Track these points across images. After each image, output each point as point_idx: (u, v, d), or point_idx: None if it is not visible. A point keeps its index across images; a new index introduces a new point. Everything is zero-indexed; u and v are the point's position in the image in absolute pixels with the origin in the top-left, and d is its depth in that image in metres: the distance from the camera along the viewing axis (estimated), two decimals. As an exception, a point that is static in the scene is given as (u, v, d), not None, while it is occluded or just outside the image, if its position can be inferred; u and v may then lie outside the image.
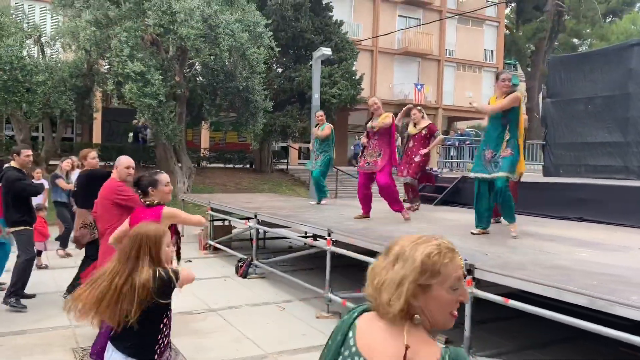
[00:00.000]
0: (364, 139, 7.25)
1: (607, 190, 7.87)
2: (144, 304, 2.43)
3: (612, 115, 11.13)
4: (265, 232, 8.78)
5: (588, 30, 38.78)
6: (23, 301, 5.91)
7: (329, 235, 5.88)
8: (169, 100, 13.34)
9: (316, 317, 5.93)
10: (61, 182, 8.81)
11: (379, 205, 7.40)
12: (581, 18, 37.89)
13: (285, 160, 23.39)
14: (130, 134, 20.54)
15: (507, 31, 37.05)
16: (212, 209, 9.46)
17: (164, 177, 3.62)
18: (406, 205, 8.29)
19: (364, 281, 5.17)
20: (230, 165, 21.24)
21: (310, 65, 16.97)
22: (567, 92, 11.99)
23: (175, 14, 11.79)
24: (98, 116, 18.95)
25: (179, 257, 3.57)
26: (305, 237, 8.29)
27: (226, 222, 9.93)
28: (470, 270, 4.05)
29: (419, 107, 8.63)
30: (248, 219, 8.21)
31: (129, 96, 12.25)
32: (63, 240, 9.01)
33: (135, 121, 15.69)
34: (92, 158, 5.86)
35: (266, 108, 15.18)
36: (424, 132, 8.26)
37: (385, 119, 6.85)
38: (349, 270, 7.51)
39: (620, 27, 37.05)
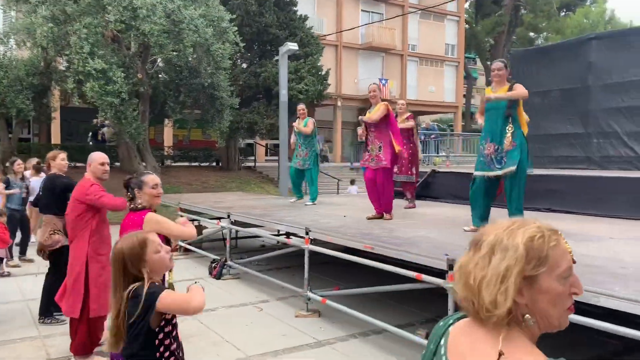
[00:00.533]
0: (360, 131, 6.89)
1: (574, 181, 8.06)
2: (129, 326, 2.20)
3: (573, 108, 11.44)
4: (237, 231, 8.64)
5: (544, 24, 39.83)
6: None
7: (307, 233, 5.81)
8: (132, 98, 13.00)
9: (295, 316, 5.86)
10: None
11: (360, 201, 7.38)
12: (538, 12, 38.89)
13: (253, 157, 23.17)
14: (90, 134, 19.92)
15: (467, 25, 37.68)
16: (181, 209, 9.25)
17: (150, 178, 3.43)
18: (404, 204, 8.21)
19: (341, 278, 5.13)
20: (196, 164, 20.89)
21: (276, 61, 16.81)
22: (529, 85, 12.19)
23: (137, 10, 11.45)
24: (57, 115, 18.30)
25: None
26: (278, 235, 8.20)
27: (196, 223, 9.72)
28: (452, 265, 4.06)
29: (402, 101, 8.44)
30: (220, 218, 8.06)
31: (90, 95, 11.86)
32: (21, 247, 8.64)
33: (96, 120, 15.23)
34: (62, 159, 5.50)
35: (232, 105, 14.96)
36: (406, 123, 8.08)
37: (376, 112, 6.57)
38: (325, 267, 7.50)
39: (574, 20, 38.20)
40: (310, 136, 8.69)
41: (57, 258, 5.42)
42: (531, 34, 41.64)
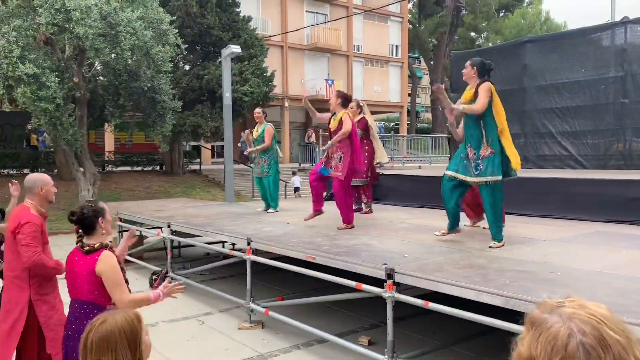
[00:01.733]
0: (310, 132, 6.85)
1: (508, 182, 8.31)
2: None
3: (510, 108, 11.83)
4: (180, 242, 8.43)
5: (484, 24, 41.13)
6: None
7: (249, 244, 5.74)
8: (68, 104, 12.45)
9: (238, 328, 5.78)
10: None
11: (305, 205, 7.33)
12: (477, 13, 40.13)
13: (198, 160, 22.74)
14: (25, 140, 18.98)
15: (411, 26, 38.42)
16: (121, 220, 8.95)
17: (104, 204, 3.13)
18: (356, 207, 7.98)
19: (286, 285, 5.08)
20: (139, 168, 20.30)
21: (220, 62, 16.55)
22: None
23: (70, 12, 10.97)
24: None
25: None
26: (223, 245, 8.07)
27: (137, 233, 9.43)
28: (390, 274, 4.10)
29: (358, 101, 8.13)
30: (161, 228, 7.85)
31: (22, 100, 11.27)
32: None
33: (30, 126, 14.54)
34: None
35: (175, 108, 14.60)
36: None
37: (343, 123, 6.38)
38: (270, 274, 7.43)
39: (512, 21, 39.63)
40: (270, 146, 8.36)
41: None
42: (472, 34, 42.93)
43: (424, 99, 57.14)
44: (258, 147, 8.30)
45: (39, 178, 3.96)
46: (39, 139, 19.40)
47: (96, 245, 2.95)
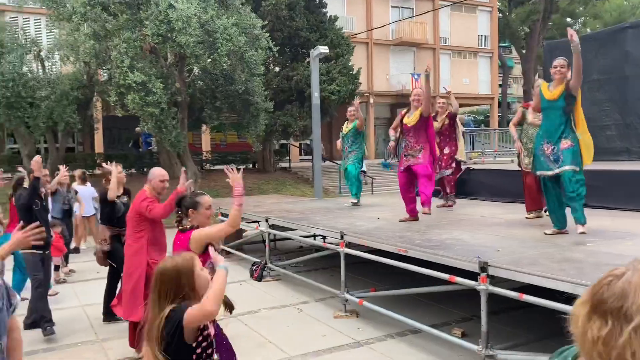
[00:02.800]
0: (391, 131, 7.04)
1: (609, 176, 8.00)
2: (165, 346, 2.25)
3: (610, 98, 11.26)
4: (275, 234, 8.93)
5: (581, 9, 38.76)
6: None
7: (342, 237, 6.03)
8: (171, 108, 13.47)
9: (334, 316, 6.09)
10: None
11: (393, 201, 7.53)
12: (573, -2, 37.90)
13: (287, 158, 23.51)
14: (131, 142, 20.58)
15: (501, 15, 37.04)
16: (222, 214, 9.61)
17: (206, 199, 3.65)
18: (440, 202, 8.23)
19: (377, 279, 5.34)
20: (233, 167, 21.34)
21: (308, 63, 17.07)
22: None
23: (173, 23, 11.88)
24: (99, 125, 19.08)
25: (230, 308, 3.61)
26: (314, 238, 8.45)
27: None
28: (484, 267, 4.21)
29: (441, 100, 8.34)
30: (259, 222, 8.36)
31: (131, 106, 12.38)
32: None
33: (139, 129, 15.85)
34: (119, 172, 5.99)
35: (267, 109, 15.32)
36: (446, 122, 8.06)
37: (414, 118, 6.64)
38: (362, 267, 7.70)
39: (613, 3, 37.04)
40: (358, 137, 8.68)
41: (113, 266, 5.88)
42: (568, 19, 40.58)
43: (516, 90, 54.81)
44: (351, 127, 8.60)
45: (153, 172, 5.01)
46: (143, 142, 21.02)
47: (188, 226, 3.58)
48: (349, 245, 6.05)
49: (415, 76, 29.25)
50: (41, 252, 5.69)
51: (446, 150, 8.07)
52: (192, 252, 3.48)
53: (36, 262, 5.72)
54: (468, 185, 10.04)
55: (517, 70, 50.57)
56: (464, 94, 32.18)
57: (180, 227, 3.59)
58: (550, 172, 5.25)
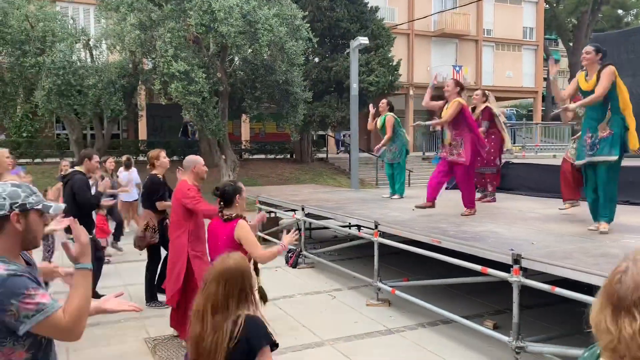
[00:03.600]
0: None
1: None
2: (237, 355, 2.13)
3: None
4: (310, 223, 9.06)
5: (633, 0, 37.22)
6: None
7: (376, 227, 6.10)
8: (212, 97, 13.75)
9: (366, 304, 6.19)
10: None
11: (422, 191, 7.51)
12: (626, -12, 36.43)
13: (325, 149, 23.63)
14: (181, 129, 20.95)
15: (547, 6, 35.96)
16: (260, 202, 9.81)
17: (242, 185, 3.87)
18: (478, 195, 8.04)
19: (410, 269, 5.41)
20: (272, 156, 21.64)
21: (347, 54, 17.08)
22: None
23: (215, 13, 12.11)
24: (143, 113, 19.63)
25: (257, 272, 3.75)
26: (350, 227, 8.53)
27: (272, 214, 10.27)
28: (517, 259, 4.22)
29: (484, 91, 8.21)
30: (295, 210, 8.51)
31: (175, 95, 12.71)
32: (115, 237, 9.46)
33: (188, 117, 16.25)
34: (164, 157, 6.11)
35: (306, 99, 15.45)
36: (480, 116, 7.87)
37: (448, 110, 6.48)
38: (395, 258, 7.76)
39: (668, -6, 35.40)
40: (393, 134, 8.59)
41: (153, 251, 6.08)
42: (619, 11, 39.05)
43: (562, 83, 53.20)
44: (383, 143, 8.59)
45: (193, 159, 5.11)
46: (190, 130, 21.45)
47: (233, 215, 3.75)
48: (383, 235, 6.11)
49: (457, 68, 28.82)
50: (91, 236, 5.98)
51: (488, 146, 7.83)
52: (236, 240, 3.66)
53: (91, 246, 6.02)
54: (507, 179, 9.90)
55: (564, 63, 49.05)
56: (507, 87, 31.56)
57: (225, 217, 3.73)
58: (583, 161, 5.21)
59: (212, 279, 2.19)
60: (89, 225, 6.03)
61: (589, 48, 5.18)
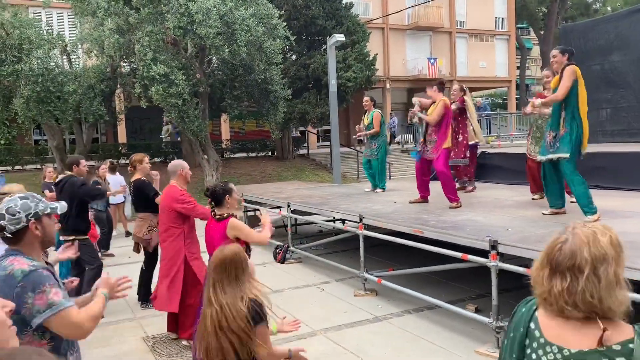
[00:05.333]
0: (411, 112, 7.17)
1: (621, 157, 8.18)
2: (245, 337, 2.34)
3: (627, 80, 11.35)
4: (296, 219, 9.31)
5: (601, -12, 38.12)
6: None
7: (361, 220, 6.37)
8: (192, 98, 13.84)
9: (354, 295, 6.47)
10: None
11: (411, 185, 7.77)
12: (593, -24, 37.25)
13: (305, 145, 23.84)
14: (166, 128, 20.76)
15: (518, -4, 36.60)
16: (245, 200, 10.01)
17: (233, 185, 4.08)
18: (460, 185, 8.39)
19: (395, 260, 5.72)
20: (253, 154, 21.78)
21: (324, 50, 17.30)
22: (580, 59, 12.16)
23: (193, 15, 12.21)
24: (122, 117, 19.59)
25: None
26: (334, 222, 8.79)
27: (259, 212, 10.47)
28: (494, 245, 4.52)
29: (462, 86, 8.42)
30: (281, 207, 8.74)
31: (155, 98, 12.78)
32: (104, 243, 9.51)
33: (166, 119, 16.31)
34: (147, 163, 6.21)
35: (286, 96, 15.63)
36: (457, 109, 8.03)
37: (433, 112, 6.78)
38: (380, 249, 8.06)
39: (634, -19, 36.28)
40: (381, 124, 8.89)
41: (152, 253, 6.21)
42: (587, -1, 39.95)
43: (534, 71, 54.12)
44: (368, 132, 8.87)
45: (179, 163, 5.27)
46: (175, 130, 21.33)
47: (225, 215, 3.96)
48: (368, 227, 6.38)
49: (432, 60, 29.25)
50: (87, 237, 6.09)
51: (459, 138, 8.07)
52: (229, 238, 3.88)
53: (92, 249, 6.19)
54: (483, 168, 10.25)
55: (536, 51, 49.95)
56: (481, 77, 32.13)
57: (217, 216, 3.95)
58: (543, 157, 5.56)
59: (216, 267, 2.41)
60: (86, 226, 6.09)
61: (554, 51, 5.45)
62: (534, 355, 1.48)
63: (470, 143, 8.28)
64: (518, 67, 39.05)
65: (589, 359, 1.38)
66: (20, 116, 13.26)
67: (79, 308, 2.20)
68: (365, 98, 9.11)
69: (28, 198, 2.21)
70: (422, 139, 7.21)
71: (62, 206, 2.33)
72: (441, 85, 7.02)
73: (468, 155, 8.24)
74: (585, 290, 1.39)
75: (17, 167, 17.34)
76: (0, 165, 16.34)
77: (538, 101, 5.49)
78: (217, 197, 3.99)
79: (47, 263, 2.32)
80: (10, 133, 18.42)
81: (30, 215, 2.16)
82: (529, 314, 1.54)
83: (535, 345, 1.48)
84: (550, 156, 5.45)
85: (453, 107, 8.00)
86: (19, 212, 2.14)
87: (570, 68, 5.21)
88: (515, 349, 1.53)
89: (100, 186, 7.84)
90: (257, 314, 2.38)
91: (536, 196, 7.06)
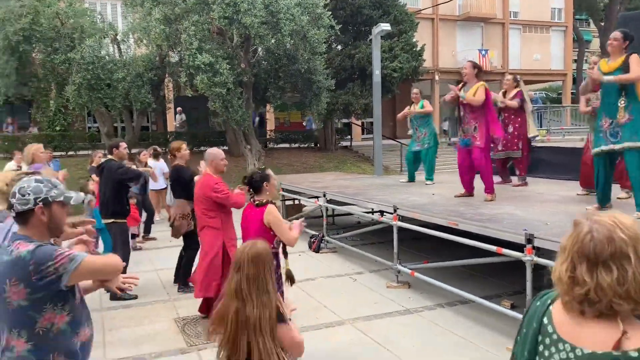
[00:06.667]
0: (448, 97, 6.79)
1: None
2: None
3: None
4: (334, 209, 9.25)
5: (668, -24, 35.91)
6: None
7: (395, 211, 6.24)
8: (237, 88, 13.99)
9: (386, 286, 6.36)
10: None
11: (453, 179, 7.57)
12: (661, -37, 35.16)
13: (349, 137, 23.71)
14: (180, 117, 21.51)
15: (577, -15, 35.02)
16: (283, 190, 10.03)
17: (271, 172, 4.03)
18: (498, 179, 8.03)
19: (430, 253, 5.58)
20: (296, 145, 21.84)
21: (370, 41, 17.09)
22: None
23: (238, 5, 12.31)
24: (171, 105, 20.05)
25: (285, 255, 3.99)
26: (373, 213, 8.68)
27: (296, 201, 10.51)
28: (530, 239, 4.32)
29: (515, 76, 8.18)
30: (317, 197, 8.70)
31: (200, 87, 12.99)
32: (145, 227, 9.76)
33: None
34: (185, 150, 6.27)
35: (329, 87, 15.56)
36: (513, 99, 7.78)
37: (476, 95, 6.41)
38: (415, 243, 7.91)
39: None
40: (427, 117, 8.77)
41: (189, 238, 6.28)
42: (653, -12, 37.72)
43: (589, 75, 51.71)
44: (420, 111, 8.70)
45: (212, 152, 5.24)
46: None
47: (264, 201, 3.93)
48: (402, 219, 6.25)
49: (483, 52, 28.44)
50: (124, 221, 6.28)
51: (510, 129, 7.82)
52: (265, 225, 3.85)
53: (127, 230, 6.35)
54: (532, 164, 9.85)
55: (595, 44, 47.75)
56: (534, 70, 30.99)
57: (256, 203, 3.92)
58: (604, 147, 5.16)
59: (249, 262, 2.33)
60: (124, 209, 6.26)
61: (617, 34, 5.13)
62: (546, 352, 1.39)
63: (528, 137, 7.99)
64: (575, 61, 37.44)
65: None
66: (71, 102, 13.77)
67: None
68: (414, 90, 8.96)
69: (42, 182, 2.21)
70: (460, 126, 6.90)
71: (77, 198, 2.32)
72: (477, 67, 6.70)
73: (521, 147, 7.92)
74: (636, 275, 1.28)
75: (70, 153, 18.04)
76: (54, 150, 17.03)
77: (611, 77, 4.98)
78: (255, 184, 3.96)
79: None
80: (66, 120, 19.24)
81: (39, 199, 2.16)
82: (543, 309, 1.46)
83: (547, 341, 1.40)
84: (612, 146, 5.09)
85: (514, 103, 7.73)
86: (29, 194, 2.15)
87: (635, 55, 4.92)
88: (527, 345, 1.45)
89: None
90: (281, 315, 2.34)
91: (583, 192, 6.72)
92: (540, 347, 1.41)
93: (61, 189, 2.26)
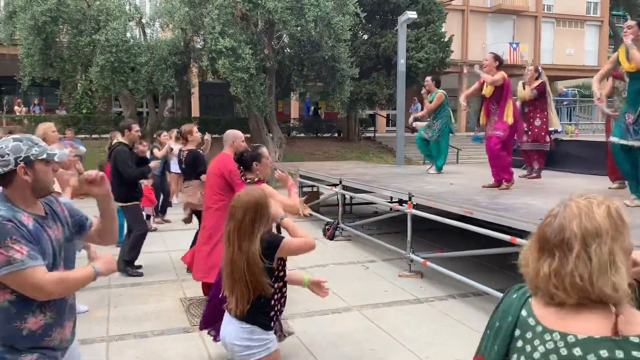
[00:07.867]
0: (462, 99, 6.97)
1: None
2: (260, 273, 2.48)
3: None
4: (352, 198, 9.10)
5: None
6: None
7: (410, 199, 6.08)
8: (259, 74, 13.91)
9: (398, 275, 6.21)
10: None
11: (474, 170, 7.37)
12: None
13: (373, 128, 23.48)
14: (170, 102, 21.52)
15: (615, -21, 33.89)
16: (301, 176, 9.93)
17: (264, 150, 3.87)
18: (523, 172, 7.94)
19: (445, 244, 5.39)
20: (319, 135, 21.74)
21: (396, 30, 16.81)
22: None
23: (263, -12, 12.21)
24: (195, 90, 20.09)
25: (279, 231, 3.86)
26: (391, 202, 8.51)
27: (314, 189, 10.38)
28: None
29: (537, 66, 7.96)
30: (334, 185, 8.57)
31: (222, 71, 12.95)
32: (160, 209, 9.75)
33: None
34: (197, 132, 6.17)
35: (352, 75, 15.36)
36: (535, 92, 7.61)
37: (493, 83, 6.37)
38: (431, 233, 7.72)
39: None
40: (440, 108, 8.53)
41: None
42: (696, -17, 36.25)
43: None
44: (421, 114, 8.61)
45: (231, 133, 5.06)
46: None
47: (255, 179, 3.78)
48: (417, 207, 6.08)
49: (514, 45, 27.79)
50: (138, 202, 6.28)
51: (537, 122, 7.64)
52: None
53: (139, 212, 6.34)
54: (556, 157, 9.55)
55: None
56: (567, 65, 30.17)
57: (248, 181, 3.79)
58: (623, 141, 5.02)
59: (239, 209, 2.54)
60: (135, 194, 6.27)
61: (631, 22, 4.96)
62: (527, 347, 1.24)
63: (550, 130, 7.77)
64: (609, 57, 36.30)
65: (601, 347, 1.14)
66: (94, 84, 13.88)
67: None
68: (427, 78, 8.75)
69: (22, 141, 2.06)
70: (477, 121, 6.75)
71: (61, 154, 2.15)
72: (498, 60, 6.52)
73: (548, 140, 7.72)
74: (575, 271, 1.18)
75: (94, 135, 18.28)
76: (79, 133, 17.27)
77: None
78: (245, 162, 3.83)
79: (46, 213, 2.14)
80: (92, 103, 19.49)
81: (20, 158, 2.01)
82: (521, 301, 1.33)
83: (529, 335, 1.26)
84: (633, 142, 4.96)
85: (532, 95, 7.51)
86: (8, 154, 2.00)
87: None
88: (499, 340, 1.32)
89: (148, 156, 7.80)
90: (271, 244, 2.54)
91: (615, 185, 6.44)
92: (519, 343, 1.27)
93: (43, 145, 2.10)
